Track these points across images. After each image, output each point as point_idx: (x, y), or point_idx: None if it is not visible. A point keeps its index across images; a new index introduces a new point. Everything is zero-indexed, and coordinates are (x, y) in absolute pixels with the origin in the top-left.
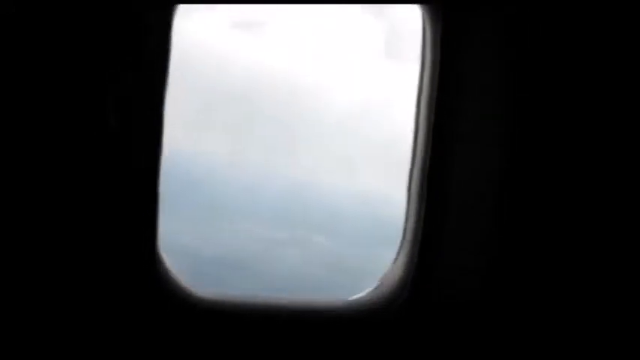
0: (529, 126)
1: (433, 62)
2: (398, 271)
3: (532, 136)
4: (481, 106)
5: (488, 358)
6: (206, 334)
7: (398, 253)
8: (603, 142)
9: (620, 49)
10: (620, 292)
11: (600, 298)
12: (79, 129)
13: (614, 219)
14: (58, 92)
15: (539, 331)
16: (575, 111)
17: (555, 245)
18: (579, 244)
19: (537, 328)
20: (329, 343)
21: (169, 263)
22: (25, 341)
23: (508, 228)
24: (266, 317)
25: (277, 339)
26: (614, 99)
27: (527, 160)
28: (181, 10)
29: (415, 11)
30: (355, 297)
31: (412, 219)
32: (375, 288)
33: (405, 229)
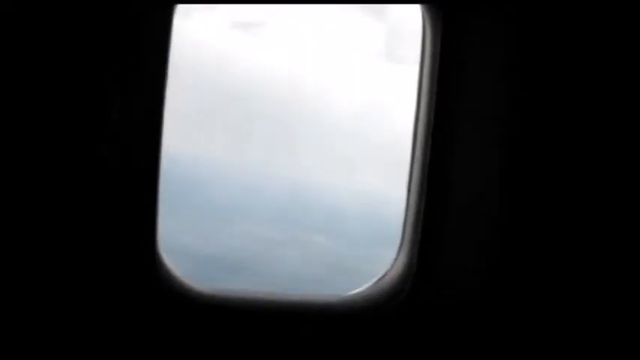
0: (529, 126)
1: (433, 62)
2: (398, 269)
3: (532, 135)
4: (481, 106)
5: (488, 357)
6: (206, 329)
7: (398, 251)
8: (603, 141)
9: (621, 48)
10: (621, 291)
11: (601, 297)
12: (78, 129)
13: (614, 218)
14: (58, 92)
15: (538, 330)
16: (575, 111)
17: (555, 244)
18: (579, 243)
19: (537, 327)
20: (328, 338)
21: (168, 259)
22: (26, 341)
23: (508, 227)
24: (265, 313)
25: (277, 334)
26: (614, 98)
27: (527, 160)
28: (181, 10)
29: (415, 11)
30: (354, 292)
31: (412, 217)
32: (375, 284)
33: (404, 228)
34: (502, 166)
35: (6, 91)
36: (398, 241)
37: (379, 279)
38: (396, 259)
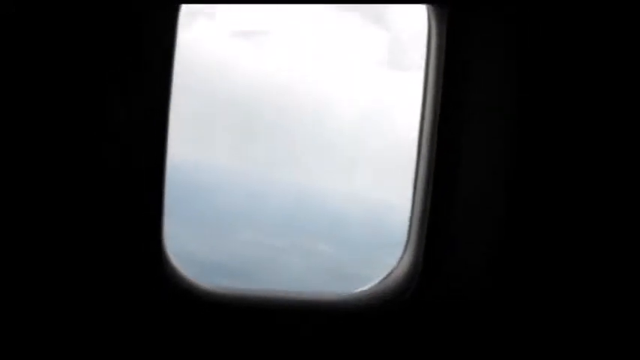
0: (535, 122)
1: (438, 61)
2: (404, 266)
3: (538, 132)
4: (487, 103)
5: (494, 355)
6: (212, 327)
7: (404, 249)
8: (607, 137)
9: (621, 46)
10: (628, 286)
11: (609, 295)
12: (82, 129)
13: (622, 213)
14: (59, 93)
15: (545, 327)
16: (579, 107)
17: (562, 241)
18: (587, 240)
19: (543, 324)
20: (336, 336)
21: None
22: (34, 340)
23: (514, 224)
24: (272, 311)
25: (284, 332)
26: (617, 94)
27: (533, 157)
28: (182, 20)
29: (419, 15)
30: (361, 290)
31: (418, 215)
32: (381, 282)
33: (410, 225)
34: (508, 163)
35: (6, 91)
36: (402, 247)
37: (385, 277)
38: (402, 256)
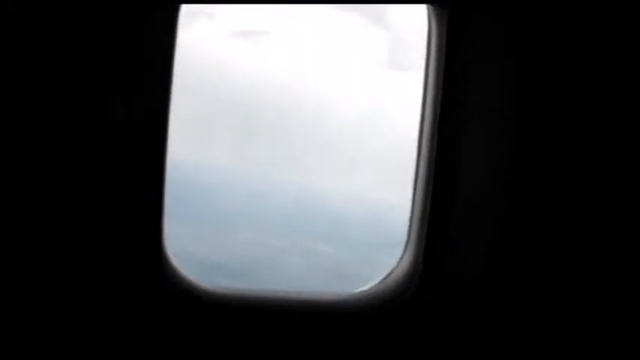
0: (535, 122)
1: (438, 60)
2: (404, 266)
3: (538, 132)
4: (487, 102)
5: (495, 355)
6: (212, 327)
7: (404, 248)
8: (606, 136)
9: (621, 46)
10: (628, 286)
11: (609, 295)
12: (81, 129)
13: (622, 213)
14: (60, 93)
15: (545, 327)
16: (579, 107)
17: (563, 241)
18: (587, 239)
19: (543, 324)
20: (336, 336)
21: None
22: (34, 339)
23: (515, 223)
24: (272, 310)
25: (284, 332)
26: (617, 94)
27: (533, 157)
28: (182, 20)
29: (419, 14)
30: (361, 290)
31: (418, 214)
32: (381, 281)
33: (410, 224)
34: (508, 163)
35: (7, 91)
36: (404, 240)
37: (385, 277)
38: (402, 256)
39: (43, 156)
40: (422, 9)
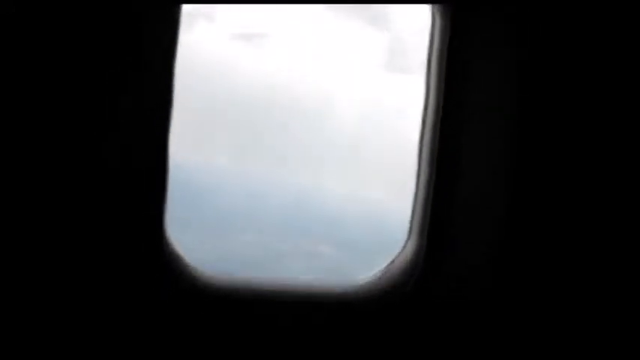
0: (535, 121)
1: (440, 61)
2: (406, 257)
3: (538, 129)
4: (488, 102)
5: (494, 354)
6: (215, 316)
7: (406, 240)
8: (606, 136)
9: (622, 45)
10: (628, 286)
11: (609, 295)
12: (82, 129)
13: (622, 213)
14: (60, 93)
15: (545, 321)
16: (579, 106)
17: (562, 240)
18: (587, 239)
19: (543, 323)
20: (336, 325)
21: (177, 246)
22: (34, 326)
23: (515, 222)
24: (274, 299)
25: (285, 320)
26: (617, 94)
27: (533, 152)
28: (183, 23)
29: (419, 16)
30: (362, 281)
31: (419, 208)
32: (382, 272)
33: (412, 218)
34: (509, 163)
35: (7, 91)
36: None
37: (386, 267)
38: (403, 247)
39: (44, 156)
40: (423, 9)
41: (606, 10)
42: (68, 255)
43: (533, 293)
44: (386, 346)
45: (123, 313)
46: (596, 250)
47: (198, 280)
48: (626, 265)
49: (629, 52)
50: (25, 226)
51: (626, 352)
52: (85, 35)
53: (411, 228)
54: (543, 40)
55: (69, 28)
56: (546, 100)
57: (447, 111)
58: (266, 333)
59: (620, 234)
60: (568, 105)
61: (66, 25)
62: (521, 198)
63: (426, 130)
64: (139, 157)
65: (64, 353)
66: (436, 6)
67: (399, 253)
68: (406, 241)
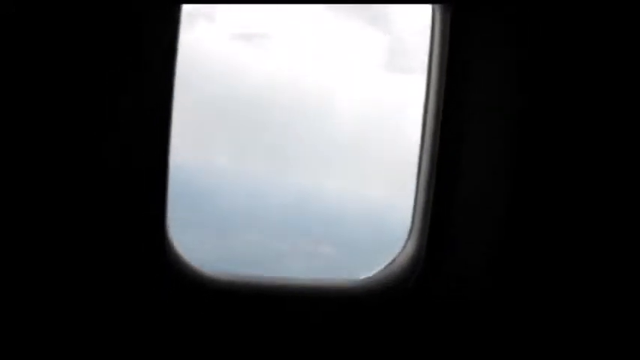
0: (535, 121)
1: (441, 61)
2: (406, 256)
3: (538, 128)
4: (489, 102)
5: (494, 354)
6: (219, 314)
7: (407, 239)
8: (606, 136)
9: (622, 46)
10: (628, 286)
11: (609, 295)
12: (83, 129)
13: (622, 213)
14: (60, 93)
15: (545, 326)
16: (580, 106)
17: (562, 240)
18: (587, 239)
19: (543, 323)
20: (337, 323)
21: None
22: (36, 327)
23: (515, 222)
24: (276, 296)
25: (287, 317)
26: (615, 95)
27: (533, 152)
28: (183, 23)
29: (421, 17)
30: (363, 278)
31: (420, 207)
32: (383, 270)
33: (413, 217)
34: (509, 163)
35: (8, 91)
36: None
37: (387, 266)
38: (404, 247)
39: (44, 156)
40: (424, 9)
41: (606, 10)
42: (70, 255)
43: (533, 293)
44: (386, 344)
45: (125, 312)
46: (596, 250)
47: (199, 278)
48: (626, 265)
49: (630, 52)
50: (26, 227)
51: (626, 352)
52: (85, 35)
53: (411, 227)
54: (543, 40)
55: (69, 28)
56: (546, 99)
57: (448, 111)
58: (268, 331)
59: (620, 234)
60: (568, 105)
61: (66, 25)
62: (521, 198)
63: (427, 129)
64: (139, 157)
65: (67, 353)
66: (437, 6)
67: (400, 252)
68: (406, 241)
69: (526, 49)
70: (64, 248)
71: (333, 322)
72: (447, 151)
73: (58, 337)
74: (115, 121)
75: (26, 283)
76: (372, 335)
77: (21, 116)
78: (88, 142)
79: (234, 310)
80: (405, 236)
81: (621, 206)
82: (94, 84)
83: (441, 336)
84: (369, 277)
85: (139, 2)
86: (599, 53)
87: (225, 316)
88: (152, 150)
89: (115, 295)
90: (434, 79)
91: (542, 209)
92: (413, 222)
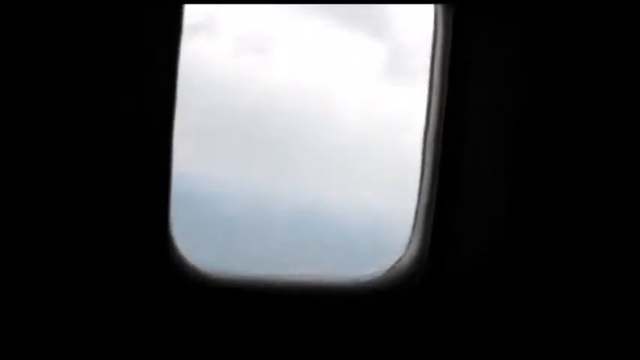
0: (538, 122)
1: (443, 61)
2: (410, 256)
3: (540, 128)
4: (491, 102)
5: (494, 354)
6: (222, 314)
7: (410, 239)
8: (609, 136)
9: (623, 46)
10: (628, 286)
11: (609, 295)
12: (83, 129)
13: (623, 213)
14: (61, 93)
15: (545, 326)
16: (582, 106)
17: (563, 240)
18: (588, 239)
19: (544, 323)
20: (340, 322)
21: (181, 244)
22: (37, 327)
23: (517, 222)
24: (279, 295)
25: (291, 316)
26: (618, 95)
27: (536, 152)
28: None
29: (421, 21)
30: (365, 277)
31: (423, 207)
32: (387, 271)
33: (416, 217)
34: (510, 163)
35: (8, 91)
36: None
37: (391, 266)
38: (407, 247)
39: (44, 156)
40: (425, 10)
41: (606, 10)
42: (72, 256)
43: (533, 293)
44: (388, 343)
45: (128, 312)
46: (596, 250)
47: (202, 278)
48: (626, 265)
49: (630, 52)
50: (28, 228)
51: (626, 352)
52: (85, 35)
53: (414, 227)
54: (546, 41)
55: (69, 28)
56: (548, 100)
57: (449, 111)
58: (273, 331)
59: (620, 234)
60: (570, 105)
61: (66, 25)
62: (523, 198)
63: (429, 130)
64: (141, 158)
65: (69, 354)
66: (438, 6)
67: (404, 252)
68: (410, 241)
69: (528, 49)
70: (66, 249)
71: (336, 321)
72: (449, 151)
73: (60, 337)
74: (116, 121)
75: (27, 284)
76: (376, 334)
77: (21, 116)
78: (89, 142)
79: (238, 309)
80: (407, 238)
81: (622, 206)
82: (94, 84)
83: (445, 335)
84: (373, 276)
85: (140, 2)
86: (602, 54)
87: (229, 315)
88: (154, 150)
89: (118, 295)
90: (436, 80)
91: (544, 209)
92: (415, 222)
